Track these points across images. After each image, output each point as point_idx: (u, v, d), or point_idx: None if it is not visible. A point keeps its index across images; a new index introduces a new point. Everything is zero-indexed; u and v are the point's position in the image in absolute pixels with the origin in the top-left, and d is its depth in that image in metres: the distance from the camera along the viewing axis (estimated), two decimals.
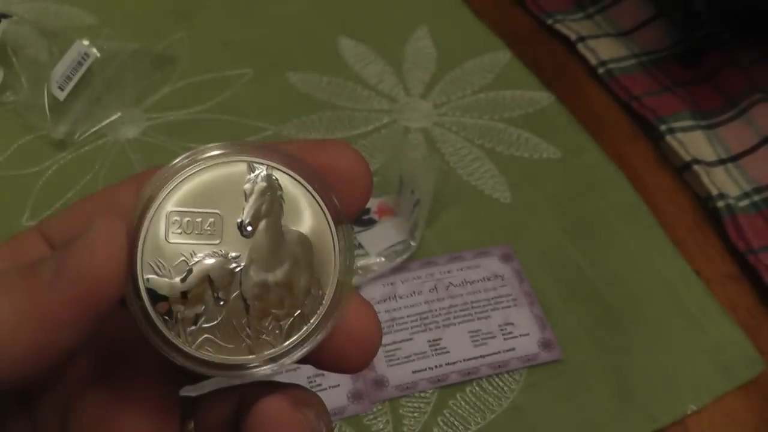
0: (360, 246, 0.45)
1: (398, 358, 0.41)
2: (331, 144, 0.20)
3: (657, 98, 0.54)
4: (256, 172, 0.18)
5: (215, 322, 0.18)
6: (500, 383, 0.41)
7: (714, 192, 0.48)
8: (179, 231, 0.18)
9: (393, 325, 0.42)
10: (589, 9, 0.61)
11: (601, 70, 0.56)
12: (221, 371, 0.18)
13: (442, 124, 0.53)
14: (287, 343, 0.18)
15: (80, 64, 0.51)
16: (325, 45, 0.57)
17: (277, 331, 0.18)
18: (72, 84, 0.50)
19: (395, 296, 0.43)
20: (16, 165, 0.48)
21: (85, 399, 0.20)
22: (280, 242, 0.18)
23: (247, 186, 0.18)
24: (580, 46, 0.58)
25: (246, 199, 0.18)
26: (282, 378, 0.40)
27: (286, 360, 0.18)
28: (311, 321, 0.18)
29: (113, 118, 0.50)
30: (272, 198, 0.18)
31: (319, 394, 0.39)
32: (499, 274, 0.45)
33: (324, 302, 0.18)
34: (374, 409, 0.39)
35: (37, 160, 0.48)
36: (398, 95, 0.54)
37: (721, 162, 0.51)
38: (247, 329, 0.18)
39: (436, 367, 0.41)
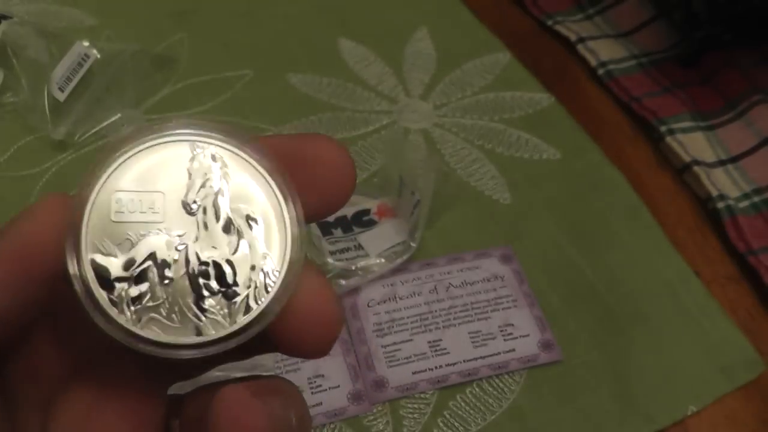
0: (360, 247, 0.45)
1: (398, 359, 0.41)
2: (311, 136, 0.19)
3: (657, 99, 0.54)
4: (200, 149, 0.18)
5: (161, 301, 0.18)
6: (500, 384, 0.41)
7: (714, 193, 0.48)
8: (123, 210, 0.18)
9: (393, 326, 0.42)
10: (588, 10, 0.61)
11: (600, 71, 0.56)
12: (167, 350, 0.18)
13: (442, 125, 0.53)
14: (236, 323, 0.18)
15: (80, 65, 0.51)
16: (325, 46, 0.57)
17: (226, 311, 0.18)
18: (72, 85, 0.50)
19: (395, 297, 0.43)
20: (17, 166, 0.48)
21: (65, 398, 0.19)
22: (226, 220, 0.18)
23: (190, 164, 0.18)
24: (580, 47, 0.58)
25: (190, 177, 0.18)
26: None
27: (234, 341, 0.18)
28: (261, 300, 0.18)
29: (113, 119, 0.50)
30: (217, 175, 0.18)
31: (318, 395, 0.40)
32: (499, 275, 0.45)
33: (275, 281, 0.18)
34: (374, 410, 0.39)
35: (38, 161, 0.48)
36: (398, 96, 0.54)
37: (721, 163, 0.51)
38: (194, 308, 0.18)
39: (436, 368, 0.41)
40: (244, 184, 0.18)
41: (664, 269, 0.46)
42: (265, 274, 0.18)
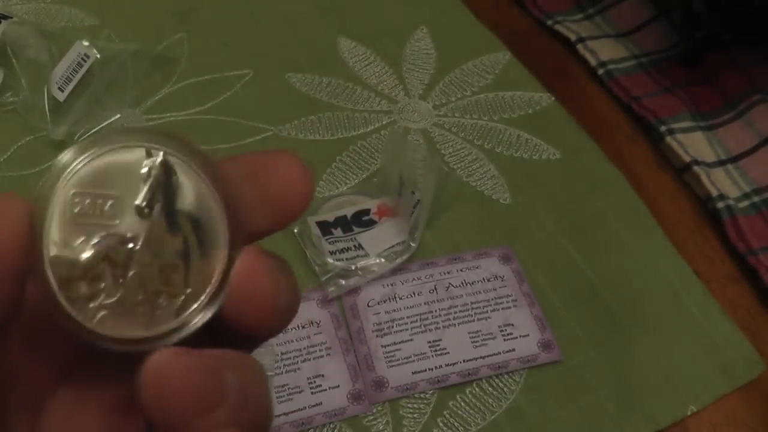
0: (360, 247, 0.45)
1: (398, 359, 0.41)
2: (272, 151, 0.20)
3: (657, 99, 0.54)
4: (154, 157, 0.20)
5: (113, 299, 0.19)
6: (500, 384, 0.41)
7: (714, 193, 0.48)
8: (81, 211, 0.19)
9: (393, 326, 0.42)
10: (588, 10, 0.61)
11: (600, 71, 0.56)
12: (119, 345, 0.19)
13: (441, 125, 0.53)
14: (179, 318, 0.19)
15: (80, 65, 0.51)
16: (325, 46, 0.57)
17: (172, 307, 0.19)
18: (72, 85, 0.50)
19: (395, 297, 0.43)
20: (16, 166, 0.48)
21: (53, 400, 0.20)
22: (174, 223, 0.20)
23: (144, 170, 0.20)
24: (580, 47, 0.58)
25: (144, 183, 0.19)
26: (283, 379, 0.40)
27: (177, 335, 0.19)
28: (202, 298, 0.19)
29: (113, 119, 0.50)
30: (168, 182, 0.20)
31: (318, 395, 0.40)
32: (499, 274, 0.45)
33: (214, 278, 0.19)
34: (374, 410, 0.39)
35: (37, 160, 0.48)
36: (398, 96, 0.54)
37: (721, 163, 0.51)
38: (143, 306, 0.19)
39: (436, 368, 0.41)
40: (191, 190, 0.20)
41: (664, 269, 0.46)
42: (207, 273, 0.19)
